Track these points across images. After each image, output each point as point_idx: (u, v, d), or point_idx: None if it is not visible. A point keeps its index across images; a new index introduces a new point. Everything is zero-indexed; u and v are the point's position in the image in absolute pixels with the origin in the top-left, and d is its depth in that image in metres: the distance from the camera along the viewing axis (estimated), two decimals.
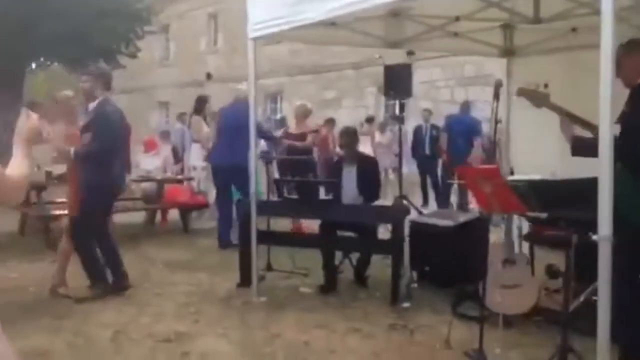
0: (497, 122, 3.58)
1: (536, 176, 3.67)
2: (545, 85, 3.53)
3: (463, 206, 8.73)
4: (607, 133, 2.81)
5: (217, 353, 3.87)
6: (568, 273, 3.33)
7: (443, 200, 9.29)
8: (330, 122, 14.70)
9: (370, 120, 13.93)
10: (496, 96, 3.68)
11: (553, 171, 4.20)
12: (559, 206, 3.00)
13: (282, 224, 6.62)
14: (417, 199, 10.91)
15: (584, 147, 3.62)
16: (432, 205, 11.15)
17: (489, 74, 14.46)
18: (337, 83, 19.12)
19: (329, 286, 5.35)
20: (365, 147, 14.34)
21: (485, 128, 9.30)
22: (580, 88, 5.28)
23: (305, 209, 5.12)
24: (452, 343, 4.04)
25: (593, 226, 2.98)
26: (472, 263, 5.53)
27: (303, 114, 8.46)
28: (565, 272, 3.31)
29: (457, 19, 5.15)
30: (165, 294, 5.28)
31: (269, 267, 5.87)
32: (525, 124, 6.28)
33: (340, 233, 5.60)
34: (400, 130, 8.03)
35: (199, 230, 8.31)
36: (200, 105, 8.77)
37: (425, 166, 11.40)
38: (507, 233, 4.68)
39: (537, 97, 3.55)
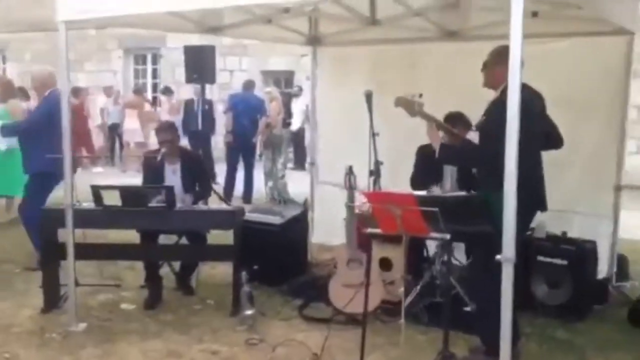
0: (374, 135, 3.53)
1: (420, 192, 3.76)
2: (420, 95, 3.57)
3: (247, 196, 8.68)
4: (513, 154, 2.90)
5: None
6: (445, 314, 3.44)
7: (228, 186, 9.04)
8: (80, 90, 13.36)
9: (138, 91, 13.03)
10: (369, 107, 3.63)
11: (443, 186, 4.36)
12: (454, 223, 3.09)
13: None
14: None
15: (450, 156, 3.80)
16: None
17: (247, 44, 14.50)
18: (76, 43, 17.18)
19: (154, 300, 4.85)
20: (131, 119, 13.39)
21: None
22: (384, 81, 5.58)
23: (132, 218, 4.51)
24: (314, 351, 3.97)
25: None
26: (298, 257, 5.58)
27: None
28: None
29: (287, 11, 4.92)
30: None
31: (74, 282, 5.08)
32: (330, 118, 6.44)
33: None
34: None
35: None
36: None
37: (197, 142, 11.00)
38: (348, 233, 4.77)
39: (412, 106, 3.58)
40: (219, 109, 11.79)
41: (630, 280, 5.11)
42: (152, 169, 4.97)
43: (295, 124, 12.63)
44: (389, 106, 4.03)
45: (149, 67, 16.88)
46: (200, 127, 10.78)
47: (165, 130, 5.04)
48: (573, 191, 4.96)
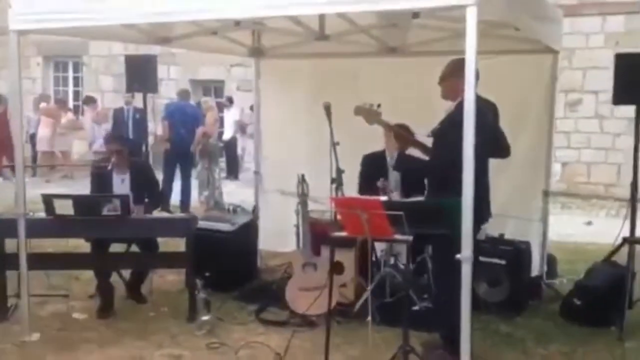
0: (335, 144, 3.70)
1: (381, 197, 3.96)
2: (379, 105, 3.77)
3: (184, 205, 8.63)
4: (470, 163, 3.15)
5: None
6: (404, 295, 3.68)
7: (165, 192, 8.94)
8: (1, 98, 12.83)
9: (59, 101, 12.68)
10: (329, 118, 3.80)
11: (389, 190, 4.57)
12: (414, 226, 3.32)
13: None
14: None
15: (404, 164, 4.04)
16: None
17: (175, 52, 14.35)
18: None
19: (107, 309, 4.82)
20: (44, 127, 12.95)
21: None
22: (329, 92, 5.80)
23: (85, 227, 4.48)
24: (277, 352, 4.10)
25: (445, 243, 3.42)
26: (249, 264, 5.67)
27: None
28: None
29: (238, 23, 5.03)
30: None
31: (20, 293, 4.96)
32: (274, 128, 6.58)
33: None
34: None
35: None
36: None
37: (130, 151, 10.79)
38: (303, 239, 4.94)
39: (371, 115, 3.77)
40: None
41: (559, 278, 5.56)
42: (100, 179, 4.95)
43: (227, 133, 12.65)
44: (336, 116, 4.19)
45: (70, 75, 16.41)
46: (131, 136, 10.62)
47: (115, 140, 5.04)
48: (508, 196, 5.32)
